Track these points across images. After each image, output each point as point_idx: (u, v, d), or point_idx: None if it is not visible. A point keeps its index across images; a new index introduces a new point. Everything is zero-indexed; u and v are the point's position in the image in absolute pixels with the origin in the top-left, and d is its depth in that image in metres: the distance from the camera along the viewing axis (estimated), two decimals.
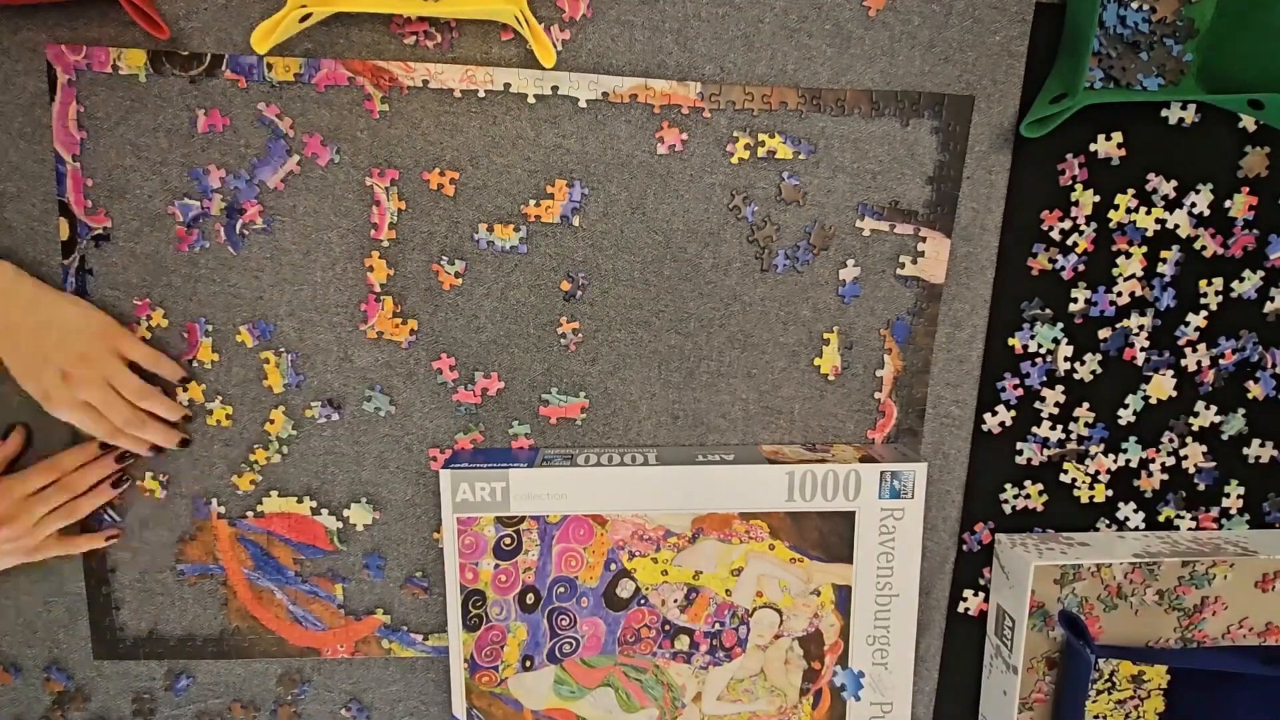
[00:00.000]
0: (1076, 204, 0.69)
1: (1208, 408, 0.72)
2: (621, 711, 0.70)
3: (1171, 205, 0.69)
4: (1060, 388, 0.71)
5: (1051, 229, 0.69)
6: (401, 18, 0.64)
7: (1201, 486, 0.73)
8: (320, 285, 0.68)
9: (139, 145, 0.64)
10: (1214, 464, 0.73)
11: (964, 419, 0.72)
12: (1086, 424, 0.72)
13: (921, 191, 0.68)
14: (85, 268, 0.66)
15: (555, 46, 0.64)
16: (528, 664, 0.68)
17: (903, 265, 0.69)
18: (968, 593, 0.75)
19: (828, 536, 0.67)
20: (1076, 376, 0.71)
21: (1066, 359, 0.71)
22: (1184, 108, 0.67)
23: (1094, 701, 0.72)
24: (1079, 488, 0.73)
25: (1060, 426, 0.72)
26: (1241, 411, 0.72)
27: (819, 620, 0.69)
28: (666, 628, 0.68)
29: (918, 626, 0.69)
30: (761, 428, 0.71)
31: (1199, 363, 0.71)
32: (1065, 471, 0.73)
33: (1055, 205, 0.69)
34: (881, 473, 0.66)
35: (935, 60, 0.66)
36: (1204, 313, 0.70)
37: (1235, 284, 0.70)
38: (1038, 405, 0.72)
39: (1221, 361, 0.71)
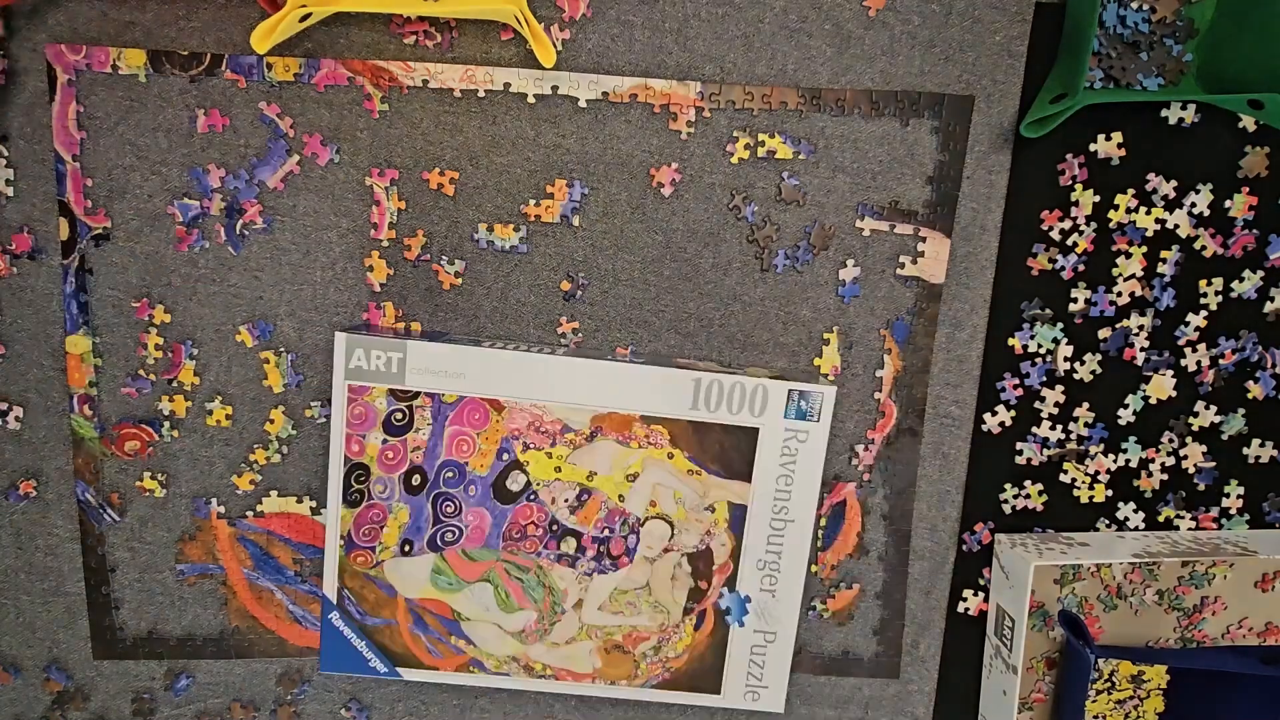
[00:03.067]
0: (1076, 204, 0.69)
1: (1208, 408, 0.72)
2: (499, 610, 0.67)
3: (1171, 205, 0.69)
4: (1060, 388, 0.71)
5: (1051, 229, 0.69)
6: (401, 17, 0.64)
7: (1201, 486, 0.73)
8: (320, 285, 0.68)
9: (139, 145, 0.64)
10: (1214, 464, 0.73)
11: (964, 419, 0.72)
12: (1086, 424, 0.72)
13: (921, 191, 0.68)
14: (85, 267, 0.66)
15: (555, 46, 0.64)
16: (406, 548, 0.66)
17: (902, 265, 0.69)
18: (967, 593, 0.75)
19: (728, 451, 0.65)
20: (1076, 376, 0.71)
21: (1066, 359, 0.71)
22: (1184, 108, 0.67)
23: (1094, 701, 0.71)
24: (1079, 488, 0.73)
25: (1060, 426, 0.72)
26: (1241, 411, 0.72)
27: (710, 538, 0.67)
28: (554, 527, 0.66)
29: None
30: None
31: (1199, 363, 0.71)
32: (1065, 471, 0.73)
33: (1055, 205, 0.69)
34: (789, 391, 0.64)
35: (935, 60, 0.66)
36: (1204, 313, 0.70)
37: (1235, 284, 0.70)
38: (1038, 405, 0.72)
39: (1221, 361, 0.71)
